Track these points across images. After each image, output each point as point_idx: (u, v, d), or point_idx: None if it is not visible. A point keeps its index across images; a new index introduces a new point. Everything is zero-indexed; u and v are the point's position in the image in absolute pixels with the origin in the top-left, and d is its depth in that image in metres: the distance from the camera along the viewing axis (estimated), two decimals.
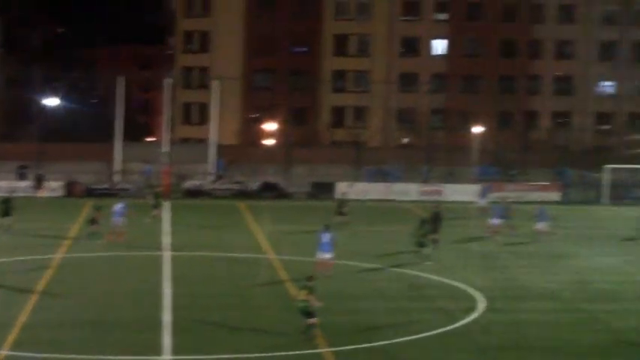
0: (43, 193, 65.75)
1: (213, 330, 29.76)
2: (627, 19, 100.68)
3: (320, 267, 37.99)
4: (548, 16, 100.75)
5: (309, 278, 29.24)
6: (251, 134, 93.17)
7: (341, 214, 52.13)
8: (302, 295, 28.88)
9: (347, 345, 28.16)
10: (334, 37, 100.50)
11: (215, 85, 77.11)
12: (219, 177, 71.49)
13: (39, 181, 67.05)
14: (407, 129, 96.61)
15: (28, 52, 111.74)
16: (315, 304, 28.62)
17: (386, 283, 38.06)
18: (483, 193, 60.03)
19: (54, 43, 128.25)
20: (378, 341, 28.69)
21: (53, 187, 67.11)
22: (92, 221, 46.51)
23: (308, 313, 28.58)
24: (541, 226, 49.96)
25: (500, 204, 53.37)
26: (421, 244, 42.08)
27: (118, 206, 47.08)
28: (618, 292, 37.17)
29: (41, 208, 61.10)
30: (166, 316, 31.12)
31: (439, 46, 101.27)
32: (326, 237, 38.51)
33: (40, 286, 35.64)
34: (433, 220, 45.65)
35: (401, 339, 29.04)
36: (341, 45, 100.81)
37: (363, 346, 28.19)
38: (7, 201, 49.35)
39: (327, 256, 38.40)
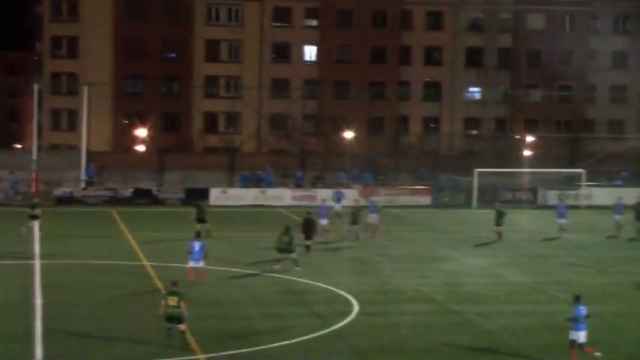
0: None
1: (86, 340, 29.28)
2: (492, 27, 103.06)
3: (192, 275, 37.85)
4: (416, 23, 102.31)
5: (174, 283, 29.06)
6: (123, 140, 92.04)
7: (201, 221, 50.53)
8: (172, 301, 28.60)
9: (222, 351, 28.10)
10: (205, 43, 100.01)
11: (84, 90, 75.93)
12: (89, 183, 70.43)
13: None
14: (280, 135, 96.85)
15: None
16: (185, 310, 28.44)
17: (261, 288, 38.05)
18: (337, 199, 60.70)
19: None
20: (254, 346, 28.72)
21: None
22: None
23: (178, 319, 28.38)
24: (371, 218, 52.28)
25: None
26: (286, 250, 42.04)
27: None
28: (489, 294, 37.98)
29: None
30: (37, 327, 30.51)
31: (310, 52, 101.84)
32: (197, 245, 38.37)
33: None
34: (305, 226, 45.83)
35: (277, 344, 29.11)
36: (212, 51, 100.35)
37: (239, 351, 28.17)
38: None
39: (200, 264, 38.26)
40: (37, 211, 51.17)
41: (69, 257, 44.39)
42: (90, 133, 76.49)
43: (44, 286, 37.09)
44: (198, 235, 39.76)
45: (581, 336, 27.48)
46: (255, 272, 41.39)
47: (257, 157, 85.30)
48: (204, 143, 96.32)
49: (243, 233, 54.45)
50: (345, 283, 39.07)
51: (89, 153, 73.19)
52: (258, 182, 72.57)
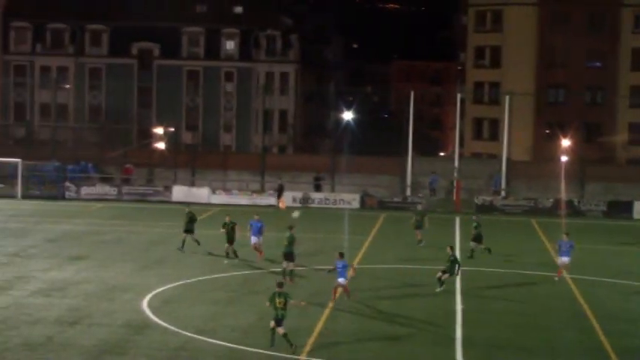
0: (283, 205, 63.21)
1: (503, 349, 29.37)
2: None
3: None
4: None
5: (280, 285, 28.80)
6: (543, 150, 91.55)
7: (475, 239, 46.87)
8: (279, 302, 28.24)
9: None
10: (632, 52, 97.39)
11: (506, 100, 76.29)
12: (496, 192, 70.54)
13: (279, 192, 66.78)
14: None
15: (323, 67, 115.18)
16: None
17: None
18: None
19: (348, 58, 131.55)
20: None
21: (348, 199, 68.50)
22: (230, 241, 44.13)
23: (280, 321, 28.21)
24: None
25: None
26: None
27: (256, 224, 44.10)
28: None
29: (338, 218, 61.63)
30: (458, 332, 31.02)
31: None
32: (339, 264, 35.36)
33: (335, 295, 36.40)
34: None
35: None
36: (639, 60, 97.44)
37: None
38: (190, 215, 45.65)
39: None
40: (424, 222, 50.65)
41: (487, 264, 44.61)
42: (510, 142, 76.76)
43: (462, 292, 37.59)
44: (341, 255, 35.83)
45: None
46: None
47: None
48: (628, 155, 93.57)
49: None
50: None
51: (509, 162, 73.37)
52: None
